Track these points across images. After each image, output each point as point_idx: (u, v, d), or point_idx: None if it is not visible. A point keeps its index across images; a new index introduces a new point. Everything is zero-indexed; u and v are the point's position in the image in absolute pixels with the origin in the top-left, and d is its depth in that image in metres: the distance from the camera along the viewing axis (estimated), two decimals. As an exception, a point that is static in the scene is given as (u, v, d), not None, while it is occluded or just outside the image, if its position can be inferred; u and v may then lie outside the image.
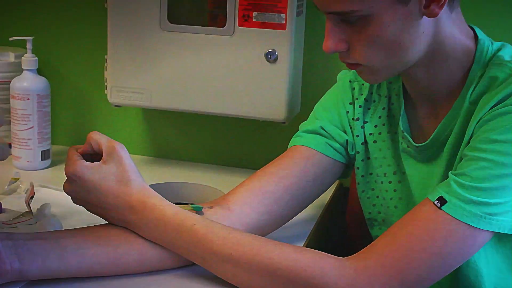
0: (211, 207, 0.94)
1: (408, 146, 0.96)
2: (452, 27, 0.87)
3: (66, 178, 0.88)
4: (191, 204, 0.94)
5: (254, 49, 1.21)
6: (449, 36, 0.87)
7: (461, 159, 0.85)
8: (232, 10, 1.21)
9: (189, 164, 1.44)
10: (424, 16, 0.84)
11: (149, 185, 0.89)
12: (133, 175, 0.87)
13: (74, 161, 0.87)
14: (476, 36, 0.91)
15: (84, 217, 0.93)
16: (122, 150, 0.87)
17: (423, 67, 0.89)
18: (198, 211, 0.92)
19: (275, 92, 1.23)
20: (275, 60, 1.21)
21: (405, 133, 0.95)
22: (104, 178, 0.85)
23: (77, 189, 0.87)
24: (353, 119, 1.01)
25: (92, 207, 0.88)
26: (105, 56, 1.30)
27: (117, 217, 0.87)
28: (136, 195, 0.86)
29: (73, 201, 0.89)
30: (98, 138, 0.88)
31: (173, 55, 1.26)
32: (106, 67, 1.30)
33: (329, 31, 0.86)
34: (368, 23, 0.82)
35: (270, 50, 1.21)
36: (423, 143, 0.93)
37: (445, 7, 0.84)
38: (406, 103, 0.97)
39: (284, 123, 1.26)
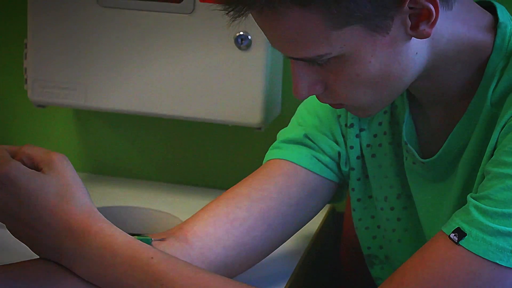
0: (163, 239, 0.95)
1: (414, 162, 0.97)
2: (454, 25, 0.88)
3: None
4: (137, 235, 0.94)
5: (221, 32, 1.21)
6: (451, 39, 0.88)
7: (482, 178, 0.86)
8: (192, -19, 1.22)
9: (136, 183, 1.44)
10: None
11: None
12: (78, 192, 0.88)
13: (7, 161, 0.86)
14: (496, 18, 0.91)
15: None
16: (63, 161, 0.88)
17: (424, 78, 0.91)
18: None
19: (248, 89, 1.24)
20: (248, 46, 1.23)
21: (409, 145, 0.97)
22: (41, 189, 0.86)
23: (6, 197, 0.86)
24: (346, 125, 1.03)
25: (18, 225, 0.88)
26: (24, 40, 1.31)
27: (49, 243, 0.87)
28: (78, 216, 0.87)
29: None
30: (31, 152, 0.89)
31: (114, 39, 1.27)
32: (25, 54, 1.31)
33: (297, 74, 0.87)
34: (343, 63, 0.85)
35: (241, 33, 1.22)
36: (430, 158, 0.95)
37: (440, 9, 0.83)
38: (412, 105, 0.98)
39: (259, 129, 1.27)
